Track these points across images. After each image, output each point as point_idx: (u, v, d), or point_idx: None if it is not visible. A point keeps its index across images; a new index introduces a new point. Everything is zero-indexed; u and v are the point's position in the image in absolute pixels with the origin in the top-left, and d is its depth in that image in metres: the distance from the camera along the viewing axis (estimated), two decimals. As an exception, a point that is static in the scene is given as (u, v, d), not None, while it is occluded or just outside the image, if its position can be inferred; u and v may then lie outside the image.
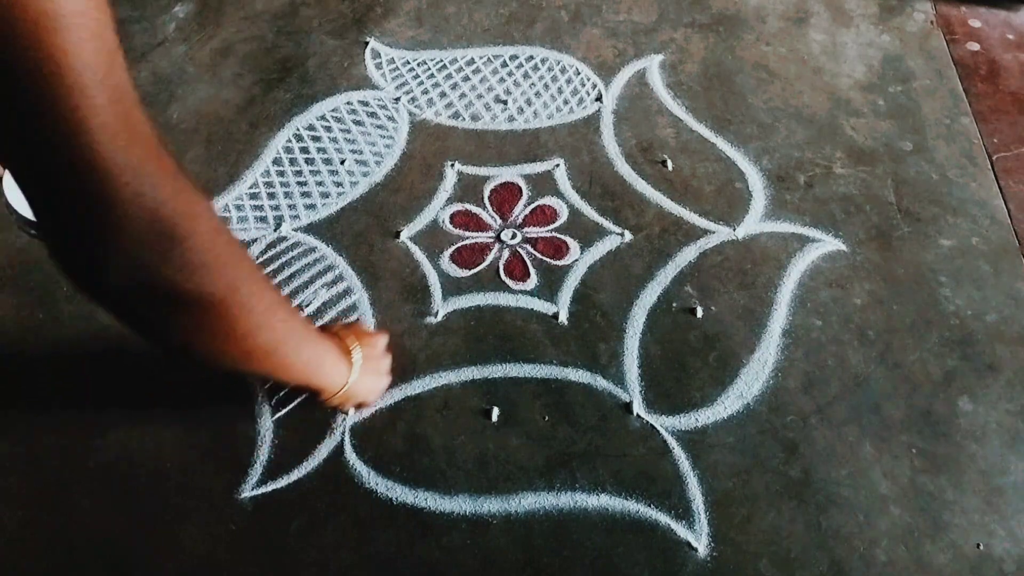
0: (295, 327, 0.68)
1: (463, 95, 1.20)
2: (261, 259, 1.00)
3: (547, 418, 0.88)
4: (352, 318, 0.95)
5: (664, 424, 0.87)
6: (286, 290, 0.97)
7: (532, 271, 1.00)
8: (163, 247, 0.49)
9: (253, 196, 1.07)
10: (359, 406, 0.87)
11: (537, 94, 1.20)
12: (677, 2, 1.35)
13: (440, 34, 1.29)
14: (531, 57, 1.26)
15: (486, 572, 0.78)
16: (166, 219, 0.48)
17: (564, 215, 1.06)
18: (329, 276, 0.99)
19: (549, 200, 1.07)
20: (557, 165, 1.11)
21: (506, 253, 1.02)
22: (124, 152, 0.45)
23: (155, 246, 0.48)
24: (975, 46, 1.29)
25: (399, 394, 0.89)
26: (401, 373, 0.90)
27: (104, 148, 0.44)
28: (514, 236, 1.04)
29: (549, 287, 0.99)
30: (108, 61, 0.44)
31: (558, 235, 1.04)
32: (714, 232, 1.04)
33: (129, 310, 0.53)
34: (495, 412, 0.88)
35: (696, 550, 0.79)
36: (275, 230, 1.03)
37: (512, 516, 0.81)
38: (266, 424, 0.87)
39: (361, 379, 0.80)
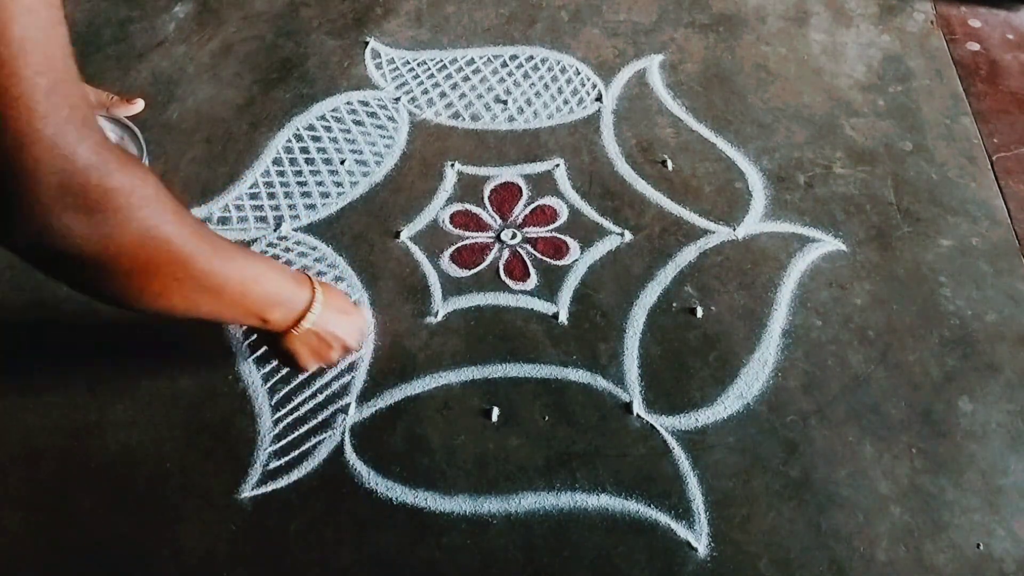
0: (224, 247, 0.63)
1: (463, 95, 1.20)
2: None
3: (547, 418, 0.88)
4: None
5: (664, 424, 0.87)
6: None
7: (532, 271, 1.00)
8: (75, 198, 0.48)
9: (253, 196, 1.07)
10: (344, 351, 0.75)
11: (537, 94, 1.20)
12: (677, 2, 1.35)
13: (440, 34, 1.29)
14: (531, 57, 1.26)
15: (486, 572, 0.78)
16: (80, 171, 0.47)
17: (564, 215, 1.06)
18: (329, 276, 0.99)
19: (549, 200, 1.07)
20: (557, 165, 1.11)
21: (506, 253, 1.02)
22: (47, 105, 0.45)
23: (67, 198, 0.48)
24: (975, 46, 1.29)
25: (399, 394, 0.89)
26: (401, 373, 0.91)
27: (25, 103, 0.44)
28: (514, 236, 1.04)
29: (549, 287, 0.99)
30: (45, 33, 0.45)
31: (558, 235, 1.04)
32: (714, 232, 1.04)
33: (42, 261, 0.53)
34: (495, 412, 0.88)
35: (696, 550, 0.79)
36: (275, 230, 1.03)
37: (512, 516, 0.81)
38: (266, 424, 0.87)
39: (328, 312, 0.71)
